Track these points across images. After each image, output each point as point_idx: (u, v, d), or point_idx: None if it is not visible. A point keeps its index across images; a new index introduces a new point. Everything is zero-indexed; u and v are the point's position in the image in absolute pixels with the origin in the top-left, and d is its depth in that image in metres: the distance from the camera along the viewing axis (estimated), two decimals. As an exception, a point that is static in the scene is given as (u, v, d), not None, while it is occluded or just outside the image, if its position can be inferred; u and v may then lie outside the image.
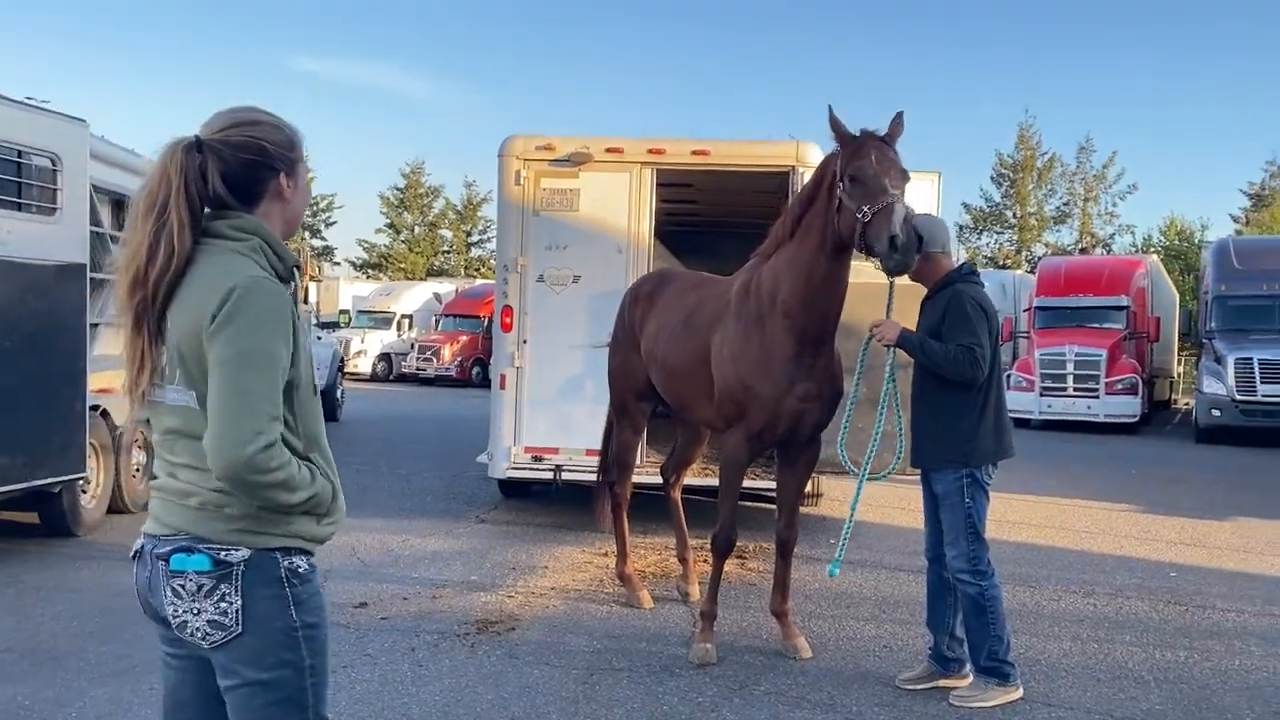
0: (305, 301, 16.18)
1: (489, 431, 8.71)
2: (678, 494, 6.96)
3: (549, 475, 8.50)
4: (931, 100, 59.57)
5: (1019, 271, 31.43)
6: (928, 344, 4.69)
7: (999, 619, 4.74)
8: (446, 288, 35.53)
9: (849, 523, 5.07)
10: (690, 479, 7.45)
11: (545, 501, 9.53)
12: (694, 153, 8.53)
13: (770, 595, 5.69)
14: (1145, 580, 7.40)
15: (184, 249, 2.09)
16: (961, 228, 43.35)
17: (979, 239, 43.67)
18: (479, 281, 36.26)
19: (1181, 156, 57.28)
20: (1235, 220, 41.36)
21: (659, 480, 7.18)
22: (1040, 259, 32.54)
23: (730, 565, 7.10)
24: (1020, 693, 4.83)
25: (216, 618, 2.10)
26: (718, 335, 5.55)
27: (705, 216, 11.61)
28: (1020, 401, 20.40)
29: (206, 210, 2.17)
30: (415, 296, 34.47)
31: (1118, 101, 56.43)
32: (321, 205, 51.05)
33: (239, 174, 2.16)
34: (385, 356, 31.01)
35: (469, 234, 50.57)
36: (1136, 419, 20.04)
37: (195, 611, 2.10)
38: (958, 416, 4.69)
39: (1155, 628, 6.19)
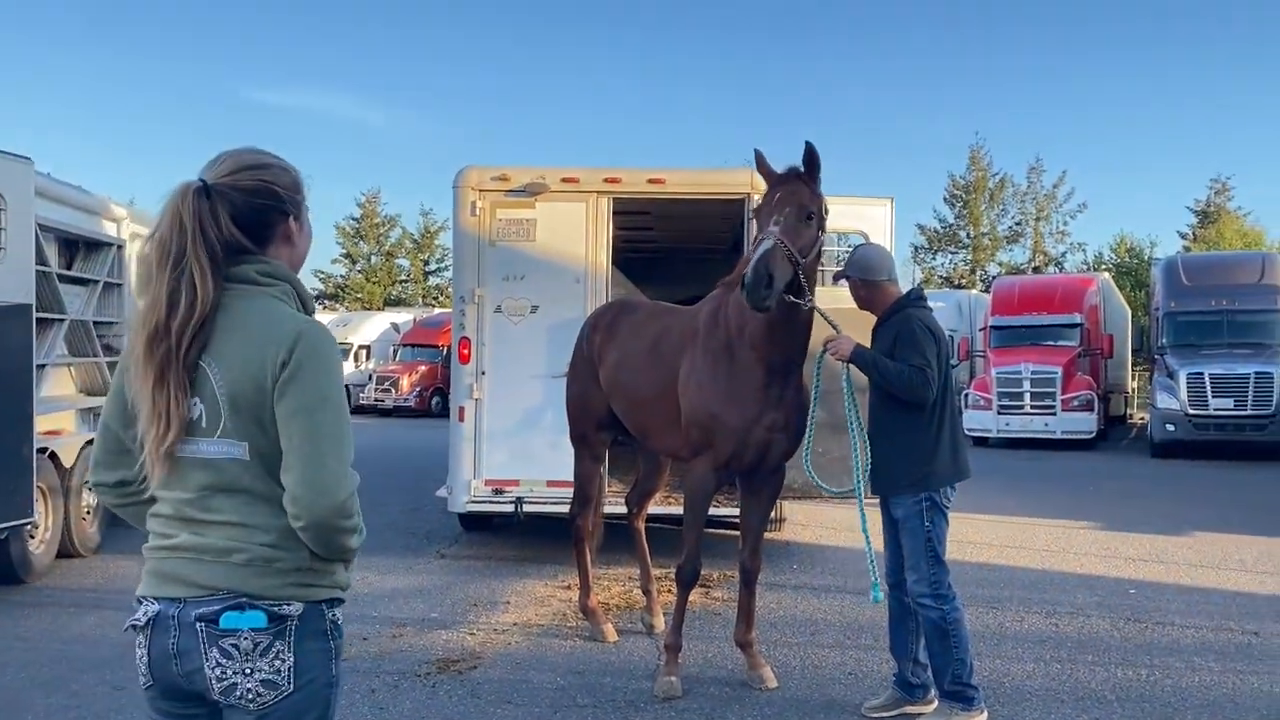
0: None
1: (448, 464, 8.63)
2: (641, 524, 6.92)
3: (510, 508, 8.42)
4: (885, 123, 60.50)
5: (974, 291, 31.86)
6: (881, 361, 4.72)
7: (961, 642, 4.73)
8: (404, 317, 35.32)
9: (869, 545, 4.92)
10: (653, 507, 7.42)
11: (507, 535, 9.45)
12: (650, 181, 8.54)
13: (735, 625, 5.65)
14: (1106, 599, 7.46)
15: (208, 295, 2.02)
16: (916, 248, 43.94)
17: (934, 259, 44.27)
18: (437, 310, 36.05)
19: (1130, 175, 58.56)
20: (1183, 237, 42.27)
21: (621, 509, 7.14)
22: (994, 278, 32.98)
23: (694, 594, 7.05)
24: (985, 716, 4.82)
25: (270, 677, 2.03)
26: (685, 364, 5.54)
27: (662, 244, 11.65)
28: (979, 420, 20.65)
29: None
30: (373, 327, 34.22)
31: (1067, 122, 57.62)
32: (277, 236, 50.54)
33: (250, 218, 2.12)
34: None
35: (426, 263, 50.39)
36: (1093, 435, 20.31)
37: (248, 672, 2.02)
38: (914, 441, 4.70)
39: (1117, 646, 6.23)
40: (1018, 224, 43.40)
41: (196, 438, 2.05)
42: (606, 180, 8.49)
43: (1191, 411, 17.89)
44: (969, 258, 43.54)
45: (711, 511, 7.67)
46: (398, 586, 7.69)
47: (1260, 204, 65.06)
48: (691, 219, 10.12)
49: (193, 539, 2.07)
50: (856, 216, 8.69)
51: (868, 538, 4.93)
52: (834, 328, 4.93)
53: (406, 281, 50.47)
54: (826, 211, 4.93)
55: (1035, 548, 9.48)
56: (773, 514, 9.24)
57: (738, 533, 5.88)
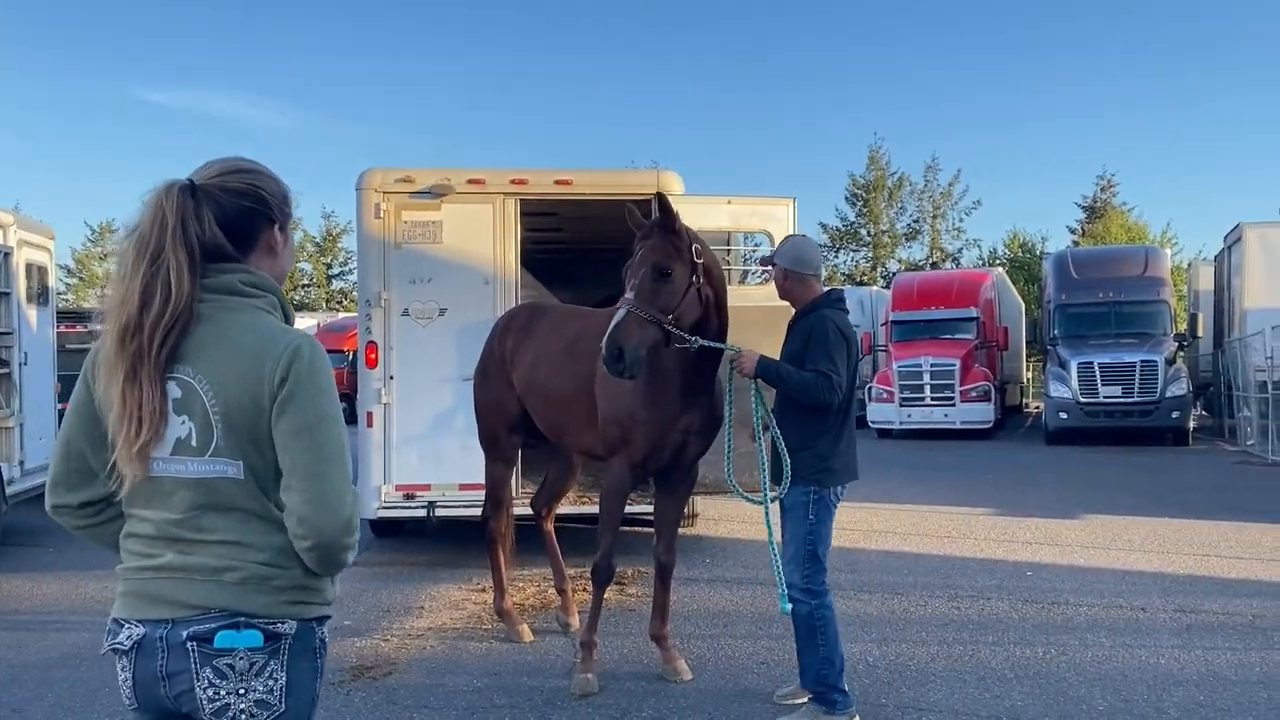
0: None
1: (357, 471, 8.52)
2: (550, 525, 6.95)
3: (422, 513, 8.36)
4: (786, 125, 61.45)
5: (875, 288, 32.59)
6: (784, 371, 4.76)
7: (829, 640, 4.71)
8: (308, 322, 34.52)
9: (774, 554, 4.95)
10: (566, 507, 7.45)
11: (419, 540, 9.37)
12: (557, 182, 8.57)
13: (650, 620, 5.73)
14: (1004, 581, 7.75)
15: (184, 292, 1.96)
16: (819, 247, 44.67)
17: (836, 257, 45.09)
18: (341, 315, 35.43)
19: (1021, 173, 60.48)
20: (1072, 232, 43.82)
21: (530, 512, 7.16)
22: (894, 275, 33.79)
23: (609, 592, 7.10)
24: None
25: (264, 697, 1.99)
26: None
27: (572, 245, 11.67)
28: (881, 412, 21.19)
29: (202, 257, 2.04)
30: (275, 333, 33.39)
31: (961, 122, 59.26)
32: (172, 241, 49.23)
33: (235, 220, 2.07)
34: (246, 396, 30.02)
35: (329, 266, 49.45)
36: (991, 424, 21.01)
37: (241, 692, 1.98)
38: (814, 437, 4.74)
39: (1015, 626, 6.49)
40: (916, 221, 44.54)
41: (185, 456, 1.99)
42: (513, 181, 8.49)
43: (1083, 399, 18.65)
44: (870, 255, 44.51)
45: (626, 509, 7.73)
46: (308, 595, 7.56)
47: (1143, 199, 67.95)
48: (600, 220, 10.15)
49: (180, 559, 2.01)
50: (760, 217, 8.86)
51: (774, 552, 4.94)
52: (732, 350, 5.00)
53: (309, 286, 49.43)
54: (697, 252, 4.90)
55: (937, 534, 9.78)
56: (685, 510, 9.39)
57: (651, 530, 5.96)
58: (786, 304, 5.08)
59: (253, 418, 1.98)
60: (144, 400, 1.95)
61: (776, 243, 8.63)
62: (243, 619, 1.98)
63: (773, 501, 4.97)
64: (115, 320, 1.98)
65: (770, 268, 5.13)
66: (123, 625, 2.03)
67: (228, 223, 2.06)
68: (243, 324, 2.02)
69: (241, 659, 1.98)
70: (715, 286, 5.05)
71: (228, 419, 1.97)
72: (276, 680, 2.01)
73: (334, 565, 2.05)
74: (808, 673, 4.78)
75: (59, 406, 11.31)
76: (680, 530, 7.40)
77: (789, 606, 4.80)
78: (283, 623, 2.02)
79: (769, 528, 4.98)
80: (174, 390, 1.98)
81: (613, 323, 4.71)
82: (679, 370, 5.21)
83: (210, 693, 1.97)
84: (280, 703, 2.01)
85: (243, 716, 1.99)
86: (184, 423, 1.98)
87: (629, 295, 4.79)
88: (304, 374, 1.98)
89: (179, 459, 1.99)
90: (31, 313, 10.24)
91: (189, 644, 1.97)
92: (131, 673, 2.02)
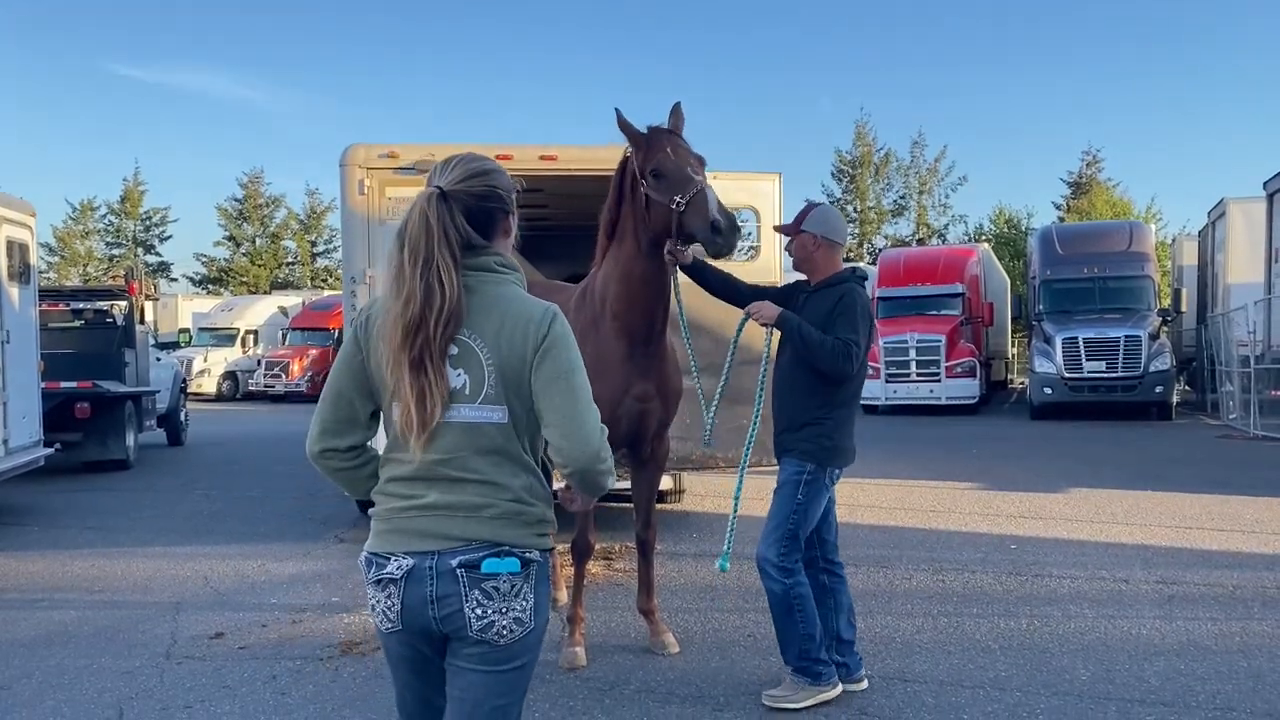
0: (142, 322, 15.46)
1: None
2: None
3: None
4: (773, 102, 61.24)
5: (861, 264, 32.64)
6: (806, 328, 4.52)
7: (809, 618, 4.63)
8: (293, 300, 34.48)
9: (734, 515, 4.97)
10: (561, 484, 7.46)
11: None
12: (541, 158, 8.52)
13: (637, 594, 5.75)
14: (989, 554, 7.81)
15: (454, 286, 2.28)
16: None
17: (823, 233, 45.12)
18: (327, 293, 35.29)
19: (1007, 148, 60.53)
20: (1057, 208, 44.00)
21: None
22: (880, 251, 33.83)
23: (597, 566, 7.15)
24: (837, 691, 4.73)
25: (520, 615, 2.31)
26: None
27: (558, 221, 11.62)
28: (868, 388, 21.08)
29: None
30: (259, 311, 33.34)
31: (946, 97, 59.22)
32: (155, 219, 48.89)
33: (480, 218, 2.42)
34: (230, 374, 30.06)
35: (314, 244, 49.22)
36: (976, 400, 21.11)
37: (504, 610, 2.29)
38: (822, 412, 4.60)
39: (999, 599, 6.54)
40: (902, 198, 44.66)
41: (459, 404, 2.31)
42: (498, 157, 8.17)
43: (1067, 375, 18.76)
44: (856, 231, 44.54)
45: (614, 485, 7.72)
46: (296, 572, 7.58)
47: (1128, 175, 68.08)
48: (586, 196, 10.09)
49: (444, 497, 2.32)
50: (747, 192, 8.82)
51: (736, 506, 4.91)
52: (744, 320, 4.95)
53: (294, 264, 49.21)
54: None
55: (922, 508, 9.85)
56: (672, 485, 9.41)
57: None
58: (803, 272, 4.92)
59: (519, 370, 2.32)
60: (433, 384, 2.27)
61: (763, 219, 8.64)
62: (504, 548, 2.30)
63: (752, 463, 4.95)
64: (400, 316, 2.28)
65: (787, 236, 4.87)
66: (389, 558, 2.33)
67: (474, 220, 2.41)
68: (505, 295, 2.39)
69: (505, 582, 2.30)
70: None
71: (501, 372, 2.32)
72: (528, 601, 2.33)
73: (596, 488, 2.42)
74: (789, 649, 4.71)
75: (42, 386, 11.26)
76: (666, 505, 7.45)
77: (726, 565, 4.86)
78: (531, 551, 2.34)
79: (739, 484, 4.90)
80: (450, 349, 2.31)
81: (713, 200, 4.58)
82: (624, 335, 5.17)
83: (479, 611, 2.29)
84: (531, 620, 2.34)
85: (505, 631, 2.31)
86: (459, 375, 2.32)
87: (699, 178, 4.68)
88: (560, 333, 2.35)
89: (454, 406, 2.31)
90: (13, 291, 10.17)
91: (459, 571, 2.28)
92: (400, 598, 2.32)
